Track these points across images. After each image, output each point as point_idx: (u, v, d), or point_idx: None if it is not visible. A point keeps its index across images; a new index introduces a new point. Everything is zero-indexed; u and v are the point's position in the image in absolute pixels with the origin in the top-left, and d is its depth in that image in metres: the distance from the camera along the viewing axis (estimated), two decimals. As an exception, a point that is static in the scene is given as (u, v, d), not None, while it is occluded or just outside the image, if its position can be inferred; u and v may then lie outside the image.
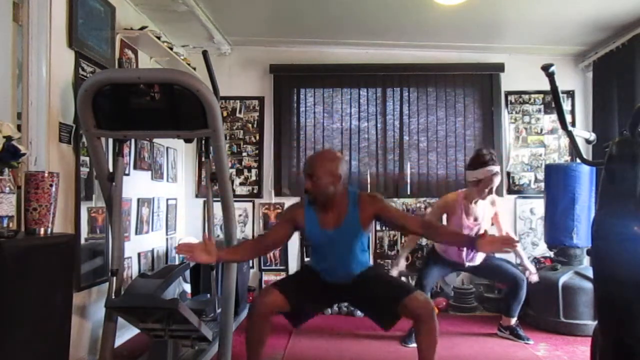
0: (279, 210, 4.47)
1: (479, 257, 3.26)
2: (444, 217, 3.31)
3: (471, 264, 3.25)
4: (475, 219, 3.18)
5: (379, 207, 2.31)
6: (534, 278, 3.27)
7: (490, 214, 3.26)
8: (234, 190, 4.40)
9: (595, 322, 1.79)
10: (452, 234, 2.55)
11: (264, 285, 4.37)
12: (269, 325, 2.22)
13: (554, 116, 4.41)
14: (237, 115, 4.55)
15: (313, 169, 2.22)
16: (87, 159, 2.68)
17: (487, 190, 3.08)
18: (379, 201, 2.34)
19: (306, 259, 4.34)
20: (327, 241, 2.32)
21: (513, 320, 3.28)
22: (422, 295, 2.21)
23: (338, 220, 2.29)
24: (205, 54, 2.89)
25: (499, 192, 4.27)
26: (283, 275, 4.35)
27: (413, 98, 4.53)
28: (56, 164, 2.41)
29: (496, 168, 3.07)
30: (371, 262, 2.57)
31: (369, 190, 4.39)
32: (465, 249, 3.11)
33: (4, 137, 1.78)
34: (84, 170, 2.69)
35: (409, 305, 2.14)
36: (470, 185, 3.14)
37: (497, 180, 3.08)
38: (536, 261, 4.10)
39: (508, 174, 4.52)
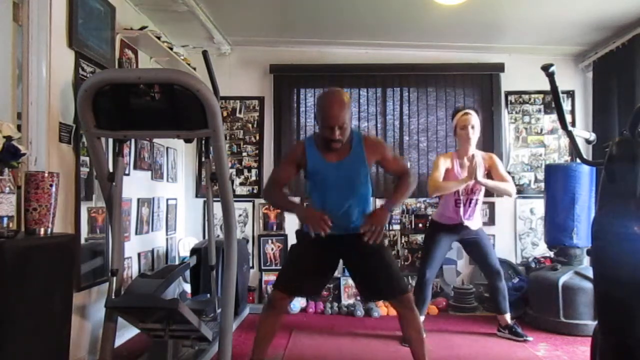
0: (278, 210, 4.46)
1: (476, 219, 3.25)
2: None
3: (469, 224, 3.20)
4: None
5: (382, 151, 2.35)
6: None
7: (484, 169, 3.22)
8: (234, 190, 4.40)
9: (595, 322, 1.79)
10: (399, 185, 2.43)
11: (264, 286, 4.38)
12: (279, 324, 2.37)
13: (554, 116, 4.41)
14: (237, 115, 4.55)
15: (342, 119, 2.18)
16: (87, 159, 2.68)
17: (464, 133, 3.15)
18: (382, 146, 2.39)
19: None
20: (330, 174, 2.29)
21: (508, 317, 3.29)
22: (408, 297, 2.29)
23: (342, 154, 2.29)
24: (205, 54, 2.89)
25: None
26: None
27: (413, 98, 4.53)
28: (56, 164, 2.41)
29: (468, 110, 3.20)
30: None
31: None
32: (461, 203, 3.17)
33: (4, 137, 1.77)
34: (84, 170, 2.69)
35: (394, 303, 2.32)
36: (457, 139, 3.30)
37: (471, 120, 3.14)
38: (536, 261, 4.10)
39: (508, 173, 4.50)
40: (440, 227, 3.29)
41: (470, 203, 3.20)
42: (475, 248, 3.32)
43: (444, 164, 3.21)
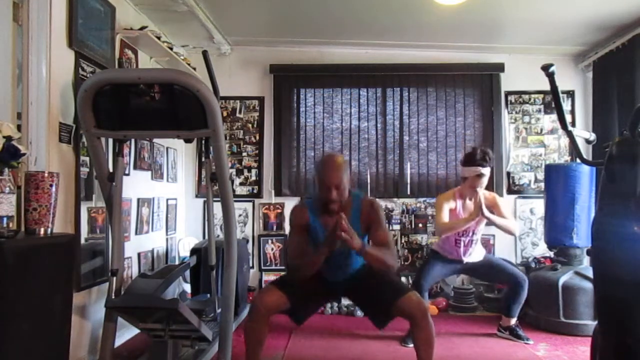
0: (278, 211, 4.47)
1: (477, 253, 3.28)
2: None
3: (469, 260, 3.26)
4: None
5: (375, 219, 2.34)
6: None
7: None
8: (234, 190, 4.40)
9: (595, 322, 1.79)
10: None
11: (264, 286, 4.37)
12: (268, 326, 2.28)
13: (554, 116, 4.41)
14: (237, 115, 4.55)
15: (338, 179, 2.22)
16: (87, 159, 2.68)
17: (472, 190, 3.15)
18: (378, 214, 2.35)
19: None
20: None
21: (513, 321, 3.28)
22: (416, 295, 2.24)
23: None
24: (205, 54, 2.89)
25: (499, 192, 4.28)
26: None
27: (413, 98, 4.53)
28: (56, 164, 2.41)
29: (482, 169, 3.09)
30: None
31: (369, 191, 4.40)
32: (462, 243, 3.19)
33: (4, 137, 1.77)
34: (84, 170, 2.69)
35: (402, 306, 2.20)
36: (462, 181, 3.26)
37: (481, 182, 3.11)
38: (536, 261, 4.10)
39: (508, 174, 4.52)
40: (441, 257, 3.32)
41: (470, 243, 3.23)
42: (486, 271, 3.35)
43: (447, 204, 3.21)
